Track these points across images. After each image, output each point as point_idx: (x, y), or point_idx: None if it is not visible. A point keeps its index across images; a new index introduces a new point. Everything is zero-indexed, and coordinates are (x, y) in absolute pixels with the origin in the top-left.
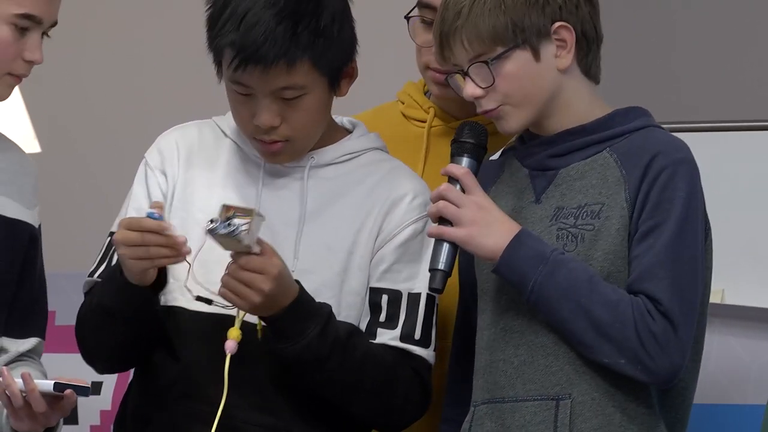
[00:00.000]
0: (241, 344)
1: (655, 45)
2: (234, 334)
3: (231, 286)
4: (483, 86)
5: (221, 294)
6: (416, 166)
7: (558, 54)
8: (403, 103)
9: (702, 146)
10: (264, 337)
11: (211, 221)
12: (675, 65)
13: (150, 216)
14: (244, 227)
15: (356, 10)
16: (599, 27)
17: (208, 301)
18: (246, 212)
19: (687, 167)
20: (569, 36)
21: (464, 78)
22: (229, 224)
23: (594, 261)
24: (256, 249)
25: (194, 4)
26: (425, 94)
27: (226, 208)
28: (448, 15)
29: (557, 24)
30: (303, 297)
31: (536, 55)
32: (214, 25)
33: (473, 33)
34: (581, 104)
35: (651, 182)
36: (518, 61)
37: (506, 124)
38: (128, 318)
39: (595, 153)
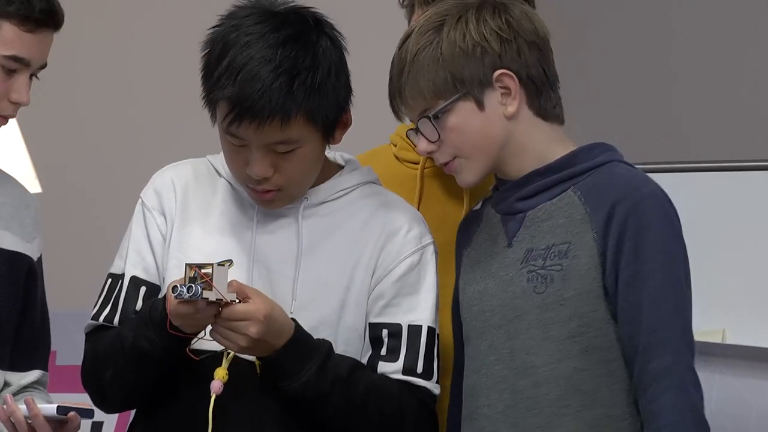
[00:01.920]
0: (239, 381)
1: (655, 86)
2: (220, 374)
3: (219, 332)
4: (432, 140)
5: (212, 337)
6: None
7: (503, 102)
8: (395, 146)
9: (701, 186)
10: (263, 373)
11: (174, 288)
12: (674, 105)
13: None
14: (204, 286)
15: (349, 50)
16: (550, 69)
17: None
18: (207, 266)
19: (654, 201)
20: (512, 83)
21: (416, 134)
22: (190, 288)
23: (567, 301)
24: (232, 297)
25: (196, 40)
26: None
27: (189, 267)
28: (394, 73)
29: (498, 72)
30: (299, 335)
31: (480, 105)
32: (210, 74)
33: (415, 89)
34: (537, 146)
35: (621, 223)
36: (462, 113)
37: (463, 177)
38: (165, 360)
39: (561, 192)
